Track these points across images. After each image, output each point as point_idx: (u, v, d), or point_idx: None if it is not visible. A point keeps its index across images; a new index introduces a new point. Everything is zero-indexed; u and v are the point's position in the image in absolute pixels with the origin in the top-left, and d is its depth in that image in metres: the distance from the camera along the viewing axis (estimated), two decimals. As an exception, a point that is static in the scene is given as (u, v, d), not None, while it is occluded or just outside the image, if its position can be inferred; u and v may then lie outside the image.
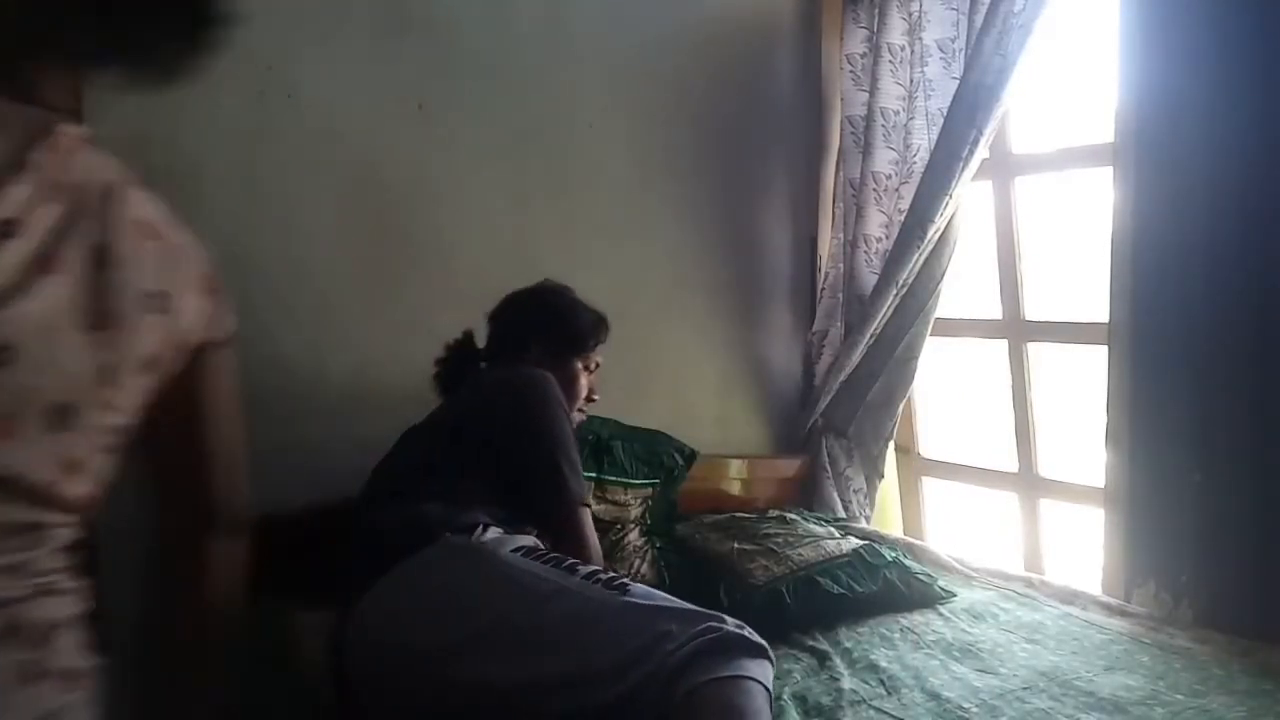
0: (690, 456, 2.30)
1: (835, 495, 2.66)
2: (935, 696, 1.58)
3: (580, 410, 1.96)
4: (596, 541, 1.73)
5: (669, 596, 1.38)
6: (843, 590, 1.94)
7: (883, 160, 2.56)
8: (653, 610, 1.32)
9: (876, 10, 2.59)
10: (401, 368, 2.22)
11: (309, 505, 2.01)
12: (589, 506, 1.77)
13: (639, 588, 1.39)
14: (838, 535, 2.18)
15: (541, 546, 1.55)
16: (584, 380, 1.94)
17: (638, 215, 2.55)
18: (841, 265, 2.69)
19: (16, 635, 0.76)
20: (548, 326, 1.94)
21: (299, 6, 2.08)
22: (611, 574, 1.43)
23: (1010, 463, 2.62)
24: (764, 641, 1.29)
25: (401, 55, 2.20)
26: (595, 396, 1.98)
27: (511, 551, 1.47)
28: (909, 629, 1.89)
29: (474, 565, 1.46)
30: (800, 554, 2.04)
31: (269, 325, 2.07)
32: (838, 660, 1.74)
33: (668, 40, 2.57)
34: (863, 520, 2.65)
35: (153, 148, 1.95)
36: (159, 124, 1.95)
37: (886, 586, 1.99)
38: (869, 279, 2.59)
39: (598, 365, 1.99)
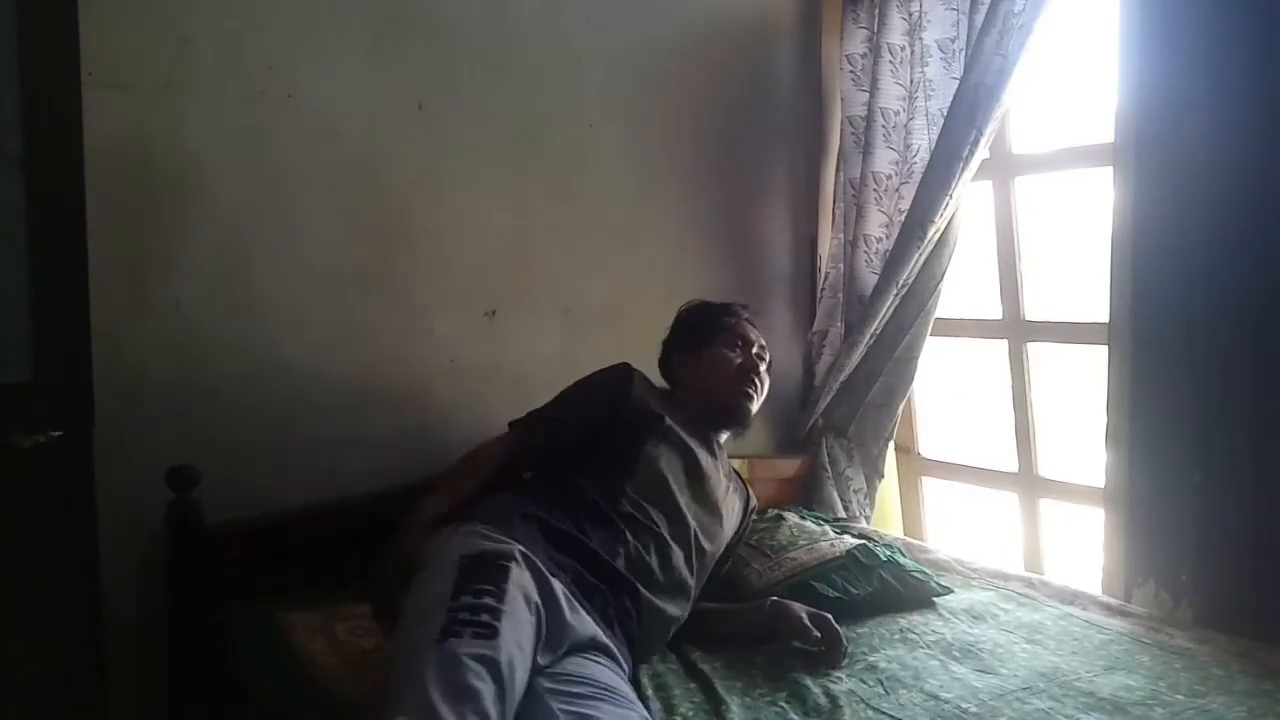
0: None
1: (835, 495, 2.66)
2: (934, 697, 1.58)
3: (746, 391, 1.92)
4: (475, 451, 1.83)
5: (480, 652, 1.26)
6: (838, 594, 1.94)
7: (883, 160, 2.56)
8: (407, 679, 1.24)
9: (876, 10, 2.59)
10: (401, 368, 2.22)
11: (309, 505, 2.02)
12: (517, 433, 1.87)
13: (455, 648, 1.26)
14: (834, 535, 2.18)
15: (505, 555, 1.46)
16: (730, 356, 1.93)
17: (637, 215, 2.55)
18: (841, 265, 2.69)
19: None
20: (673, 335, 2.04)
21: (299, 6, 2.09)
22: (473, 614, 1.32)
23: (1010, 463, 2.62)
24: None
25: (401, 55, 2.21)
26: (755, 373, 1.94)
27: (461, 555, 1.44)
28: (908, 629, 1.88)
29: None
30: (794, 558, 2.03)
31: (269, 325, 2.08)
32: (837, 660, 1.74)
33: (668, 40, 2.57)
34: (863, 520, 2.65)
35: (153, 147, 1.96)
36: (159, 124, 1.96)
37: (882, 586, 1.98)
38: (869, 279, 2.59)
39: (744, 342, 1.96)
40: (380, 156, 2.19)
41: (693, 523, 1.78)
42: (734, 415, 1.93)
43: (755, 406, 1.95)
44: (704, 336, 1.96)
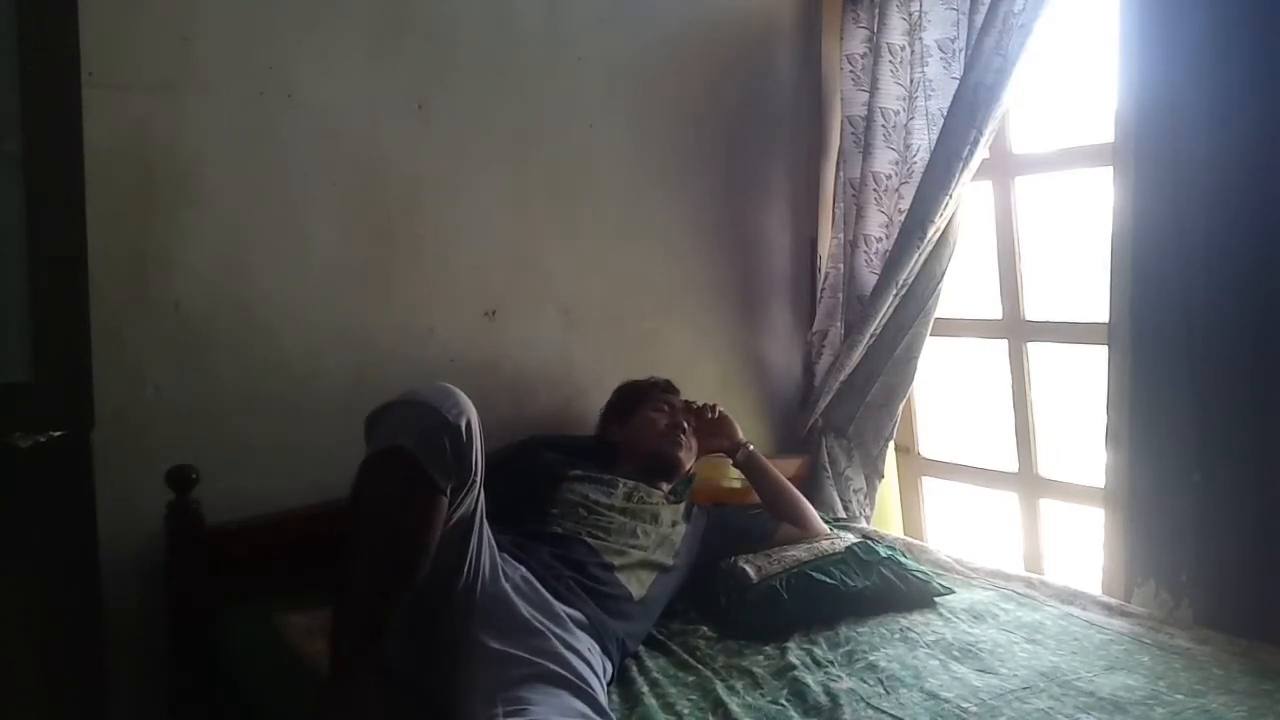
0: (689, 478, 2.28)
1: (835, 495, 2.66)
2: (934, 696, 1.58)
3: (675, 440, 2.16)
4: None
5: None
6: (834, 583, 1.93)
7: (883, 160, 2.56)
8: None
9: (876, 10, 2.59)
10: (401, 368, 2.22)
11: (309, 505, 2.02)
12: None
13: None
14: (834, 534, 2.18)
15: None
16: (656, 418, 2.19)
17: (637, 215, 2.55)
18: (841, 265, 2.69)
19: None
20: (608, 407, 2.29)
21: (299, 6, 2.09)
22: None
23: (1010, 463, 2.62)
24: None
25: (401, 55, 2.20)
26: (682, 430, 2.19)
27: None
28: (909, 629, 1.88)
29: None
30: (794, 555, 2.04)
31: (269, 325, 2.08)
32: (837, 660, 1.74)
33: (668, 40, 2.57)
34: (863, 520, 2.65)
35: (153, 147, 1.96)
36: (159, 124, 1.96)
37: (881, 581, 1.98)
38: (869, 279, 2.59)
39: (670, 407, 2.22)
40: (380, 156, 2.19)
41: (620, 517, 1.94)
42: (668, 463, 2.15)
43: (685, 457, 2.17)
44: (633, 405, 2.22)
